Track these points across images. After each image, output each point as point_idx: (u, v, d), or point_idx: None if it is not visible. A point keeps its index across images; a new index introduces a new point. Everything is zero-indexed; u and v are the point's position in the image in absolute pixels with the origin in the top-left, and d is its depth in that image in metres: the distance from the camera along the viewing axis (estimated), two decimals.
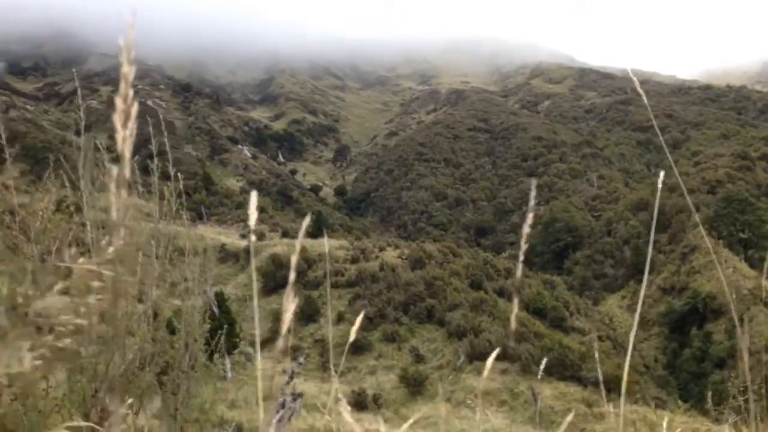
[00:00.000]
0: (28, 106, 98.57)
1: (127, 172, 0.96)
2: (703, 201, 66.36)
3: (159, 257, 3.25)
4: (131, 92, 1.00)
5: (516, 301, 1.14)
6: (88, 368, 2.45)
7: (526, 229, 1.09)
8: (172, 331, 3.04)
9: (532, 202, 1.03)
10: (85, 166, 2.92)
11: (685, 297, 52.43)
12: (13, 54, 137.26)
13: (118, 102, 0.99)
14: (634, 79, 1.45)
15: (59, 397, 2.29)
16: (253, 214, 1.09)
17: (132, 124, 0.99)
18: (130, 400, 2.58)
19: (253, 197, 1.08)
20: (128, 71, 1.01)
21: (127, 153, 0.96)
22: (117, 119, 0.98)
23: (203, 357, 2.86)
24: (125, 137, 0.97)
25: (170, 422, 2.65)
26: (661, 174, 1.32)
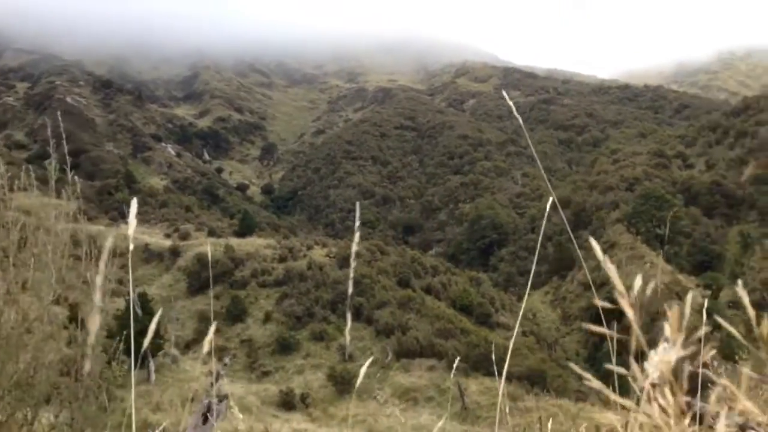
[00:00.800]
0: None
1: None
2: (622, 198, 68.44)
3: (79, 258, 3.15)
4: None
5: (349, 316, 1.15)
6: None
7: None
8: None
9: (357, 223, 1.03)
10: None
11: (604, 292, 53.98)
12: None
13: None
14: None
15: None
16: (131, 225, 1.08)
17: None
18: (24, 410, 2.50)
19: (132, 212, 1.07)
20: None
21: None
22: None
23: (100, 364, 2.78)
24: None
25: (66, 430, 2.57)
26: (550, 199, 1.37)
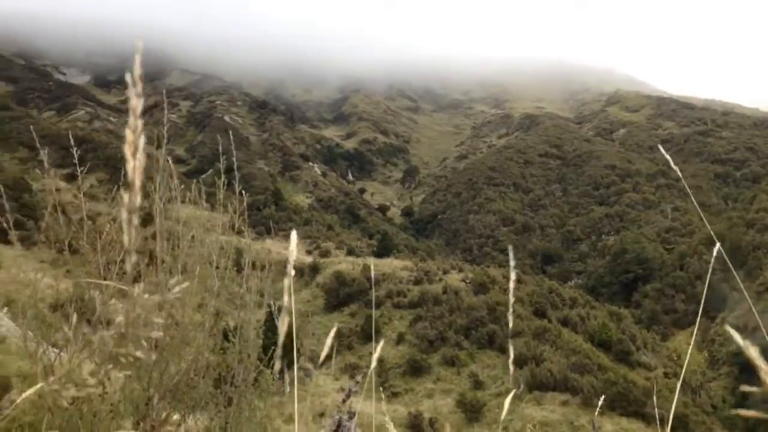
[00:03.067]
0: (111, 118, 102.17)
1: (137, 200, 0.97)
2: None
3: (223, 268, 3.33)
4: (140, 123, 0.99)
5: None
6: (144, 376, 2.52)
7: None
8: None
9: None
10: (161, 177, 3.02)
11: (758, 337, 50.42)
12: (99, 67, 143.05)
13: (128, 133, 0.98)
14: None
15: (115, 403, 2.36)
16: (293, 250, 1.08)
17: (141, 155, 0.99)
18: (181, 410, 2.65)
19: (293, 236, 1.07)
20: (136, 104, 1.01)
21: (137, 181, 0.97)
22: (127, 149, 0.98)
23: (253, 372, 2.90)
24: (135, 167, 0.97)
25: None
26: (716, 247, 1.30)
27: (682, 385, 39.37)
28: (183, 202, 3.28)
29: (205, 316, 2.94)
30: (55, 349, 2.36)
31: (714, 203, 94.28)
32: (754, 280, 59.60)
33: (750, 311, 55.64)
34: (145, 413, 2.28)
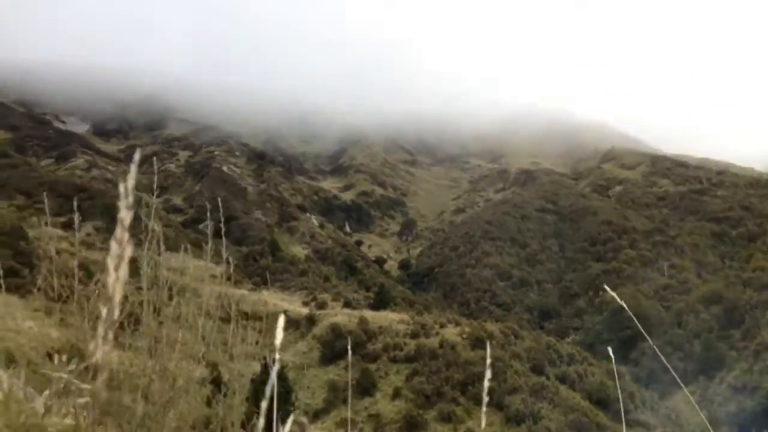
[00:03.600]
0: (110, 167, 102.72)
1: (115, 314, 0.90)
2: None
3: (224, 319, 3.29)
4: (126, 236, 0.94)
5: None
6: None
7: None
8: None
9: None
10: (154, 227, 3.00)
11: (757, 397, 49.93)
12: (98, 115, 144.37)
13: (113, 246, 0.92)
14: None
15: None
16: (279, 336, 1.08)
17: (125, 266, 0.93)
18: None
19: (280, 321, 1.07)
20: (125, 217, 0.95)
21: (117, 296, 0.91)
22: (110, 262, 0.91)
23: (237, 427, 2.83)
24: (116, 280, 0.91)
25: None
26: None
27: None
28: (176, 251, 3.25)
29: (193, 368, 2.89)
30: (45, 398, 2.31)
31: (711, 261, 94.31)
32: (752, 339, 59.29)
33: (749, 371, 55.18)
34: None
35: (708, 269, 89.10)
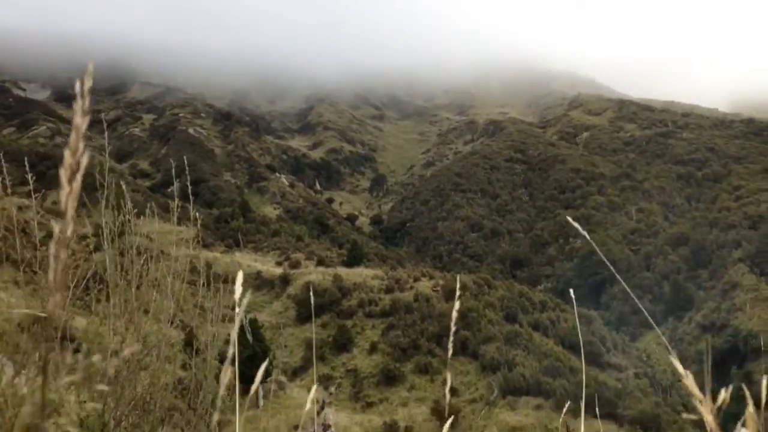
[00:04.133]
0: None
1: (69, 230, 0.82)
2: (745, 236, 65.09)
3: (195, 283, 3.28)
4: (82, 145, 0.87)
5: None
6: (99, 400, 2.46)
7: None
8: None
9: None
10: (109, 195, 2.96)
11: (725, 335, 51.25)
12: (59, 82, 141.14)
13: (66, 155, 0.85)
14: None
15: (84, 418, 2.31)
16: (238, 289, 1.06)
17: (80, 178, 0.86)
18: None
19: (239, 276, 1.05)
20: (80, 123, 0.88)
21: (70, 210, 0.84)
22: (63, 174, 0.85)
23: (211, 393, 2.85)
24: (70, 193, 0.84)
25: None
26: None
27: (651, 384, 39.88)
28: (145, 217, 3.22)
29: (164, 332, 2.88)
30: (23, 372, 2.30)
31: (677, 204, 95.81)
32: (719, 278, 60.61)
33: (716, 309, 56.50)
34: None
35: (675, 212, 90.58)
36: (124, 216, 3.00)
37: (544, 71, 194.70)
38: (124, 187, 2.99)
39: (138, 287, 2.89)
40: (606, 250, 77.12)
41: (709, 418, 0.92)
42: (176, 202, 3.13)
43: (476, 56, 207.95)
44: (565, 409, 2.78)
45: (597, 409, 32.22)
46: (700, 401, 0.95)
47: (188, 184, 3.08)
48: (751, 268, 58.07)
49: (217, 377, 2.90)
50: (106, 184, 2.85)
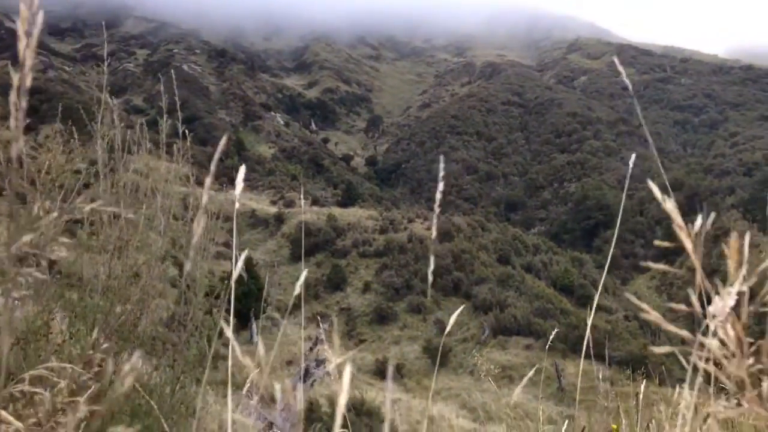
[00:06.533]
0: (66, 67, 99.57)
1: (28, 81, 0.80)
2: (739, 183, 65.31)
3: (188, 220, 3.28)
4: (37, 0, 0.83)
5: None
6: (89, 316, 2.50)
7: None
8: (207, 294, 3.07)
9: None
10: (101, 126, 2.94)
11: (715, 280, 51.84)
12: (51, 15, 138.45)
13: (22, 7, 0.82)
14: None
15: (59, 343, 2.35)
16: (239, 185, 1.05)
17: (37, 32, 0.82)
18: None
19: (242, 169, 1.04)
20: None
21: (28, 60, 0.80)
22: (20, 26, 0.82)
23: (200, 312, 2.88)
24: (27, 45, 0.81)
25: (168, 373, 2.69)
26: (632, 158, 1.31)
27: (641, 327, 40.47)
28: (136, 152, 3.21)
29: (153, 259, 2.90)
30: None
31: (673, 149, 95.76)
32: (711, 224, 60.96)
33: (707, 255, 57.09)
34: (92, 354, 2.27)
35: (670, 157, 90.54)
36: (115, 151, 2.98)
37: (544, 14, 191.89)
38: (116, 120, 2.97)
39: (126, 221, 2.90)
40: (600, 195, 77.39)
41: (688, 244, 0.95)
42: (163, 136, 3.11)
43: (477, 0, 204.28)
44: (547, 346, 2.83)
45: (586, 350, 32.72)
46: (680, 227, 0.98)
47: (179, 120, 3.05)
48: (744, 215, 58.41)
49: (208, 312, 2.94)
50: (100, 117, 2.83)
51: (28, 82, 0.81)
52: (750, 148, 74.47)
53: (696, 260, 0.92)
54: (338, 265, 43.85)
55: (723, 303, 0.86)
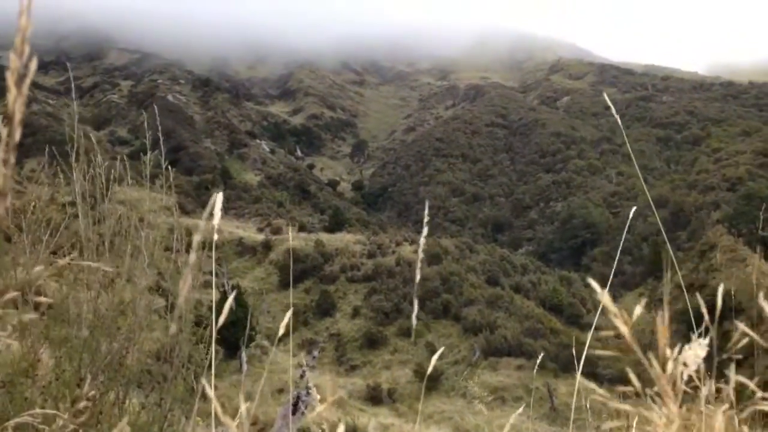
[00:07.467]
0: (50, 100, 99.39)
1: (16, 136, 0.77)
2: (723, 198, 65.77)
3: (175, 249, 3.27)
4: (28, 48, 0.81)
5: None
6: (75, 356, 2.48)
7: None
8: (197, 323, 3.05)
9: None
10: (79, 159, 2.95)
11: (703, 295, 51.96)
12: (35, 48, 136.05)
13: (13, 58, 0.79)
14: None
15: (46, 385, 2.33)
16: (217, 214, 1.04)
17: (27, 83, 0.80)
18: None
19: (219, 198, 1.02)
20: (25, 24, 0.83)
21: (18, 114, 0.78)
22: (9, 77, 0.78)
23: (188, 348, 2.87)
24: (18, 95, 0.78)
25: (155, 410, 2.67)
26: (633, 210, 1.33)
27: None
28: (120, 183, 3.21)
29: (144, 294, 2.89)
30: None
31: (657, 166, 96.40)
32: (697, 239, 61.28)
33: (695, 270, 57.23)
34: (79, 394, 2.25)
35: (654, 174, 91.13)
36: (101, 183, 2.98)
37: (526, 36, 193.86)
38: (99, 153, 2.98)
39: (110, 250, 2.89)
40: (586, 213, 77.75)
41: (624, 329, 0.96)
42: (148, 166, 3.12)
43: (456, 21, 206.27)
44: (536, 367, 2.84)
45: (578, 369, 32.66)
46: (615, 315, 0.99)
47: (161, 150, 3.06)
48: (729, 230, 58.74)
49: (197, 341, 2.92)
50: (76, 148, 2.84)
51: (17, 137, 0.78)
52: (733, 163, 75.06)
53: (632, 343, 0.93)
54: (327, 290, 43.73)
55: (694, 353, 0.87)
